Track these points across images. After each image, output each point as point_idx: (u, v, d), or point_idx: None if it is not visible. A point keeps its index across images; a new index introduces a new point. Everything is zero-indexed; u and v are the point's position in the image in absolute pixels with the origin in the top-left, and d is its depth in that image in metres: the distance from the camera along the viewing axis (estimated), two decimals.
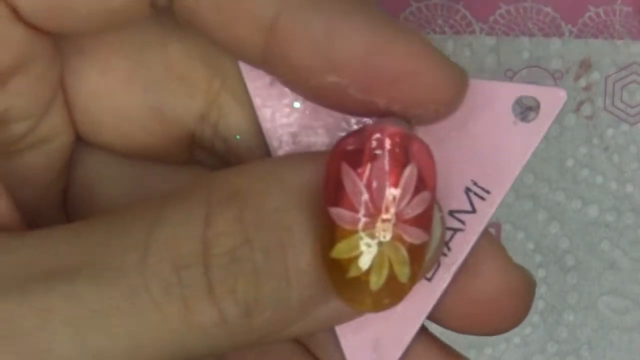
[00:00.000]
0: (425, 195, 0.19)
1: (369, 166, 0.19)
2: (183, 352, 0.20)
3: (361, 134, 0.19)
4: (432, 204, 0.20)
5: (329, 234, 0.19)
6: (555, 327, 0.40)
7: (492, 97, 0.21)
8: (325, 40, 0.20)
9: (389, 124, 0.20)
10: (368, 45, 0.20)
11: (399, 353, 0.22)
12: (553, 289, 0.40)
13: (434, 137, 0.21)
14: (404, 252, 0.19)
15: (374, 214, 0.19)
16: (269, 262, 0.19)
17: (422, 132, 0.21)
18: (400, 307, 0.21)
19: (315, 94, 0.21)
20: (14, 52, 0.21)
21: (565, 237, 0.40)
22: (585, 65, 0.39)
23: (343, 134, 0.21)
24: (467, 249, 0.22)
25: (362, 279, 0.19)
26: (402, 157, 0.19)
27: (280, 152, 0.22)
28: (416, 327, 0.22)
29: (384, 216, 0.19)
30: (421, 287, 0.22)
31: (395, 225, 0.19)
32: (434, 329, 0.24)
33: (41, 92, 0.22)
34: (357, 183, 0.19)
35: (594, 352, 0.40)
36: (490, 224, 0.40)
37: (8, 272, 0.19)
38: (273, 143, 0.22)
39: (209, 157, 0.24)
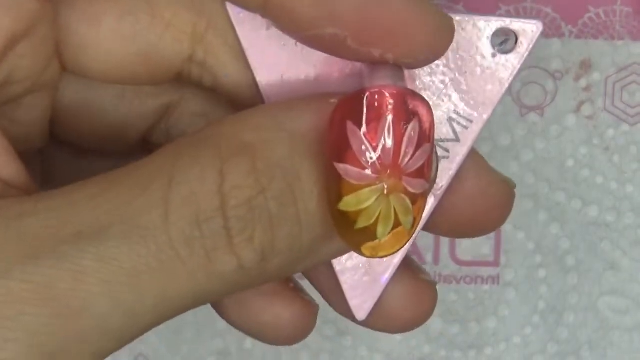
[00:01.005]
0: (426, 147, 0.21)
1: (373, 125, 0.20)
2: (202, 298, 0.21)
3: (363, 94, 0.20)
4: (432, 154, 0.21)
5: (336, 187, 0.20)
6: (555, 328, 0.40)
7: (472, 31, 0.22)
8: None
9: (386, 78, 0.21)
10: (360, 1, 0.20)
11: (388, 275, 0.24)
12: (553, 289, 0.40)
13: (419, 71, 0.23)
14: (408, 202, 0.21)
15: (380, 171, 0.20)
16: (282, 209, 0.21)
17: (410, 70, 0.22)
18: None
19: (314, 42, 0.22)
20: (26, 18, 0.22)
21: (565, 237, 0.40)
22: (586, 66, 0.39)
23: (332, 71, 0.23)
24: (451, 174, 0.23)
25: (369, 229, 0.20)
26: (404, 115, 0.20)
27: (269, 90, 0.23)
28: (406, 250, 0.23)
29: (390, 171, 0.20)
30: None
31: (400, 179, 0.20)
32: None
33: (44, 53, 0.23)
34: (363, 141, 0.20)
35: (595, 352, 0.40)
36: None
37: (40, 235, 0.20)
38: (262, 82, 0.23)
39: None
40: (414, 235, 0.21)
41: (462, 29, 0.22)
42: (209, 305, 0.25)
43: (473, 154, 0.24)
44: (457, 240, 0.40)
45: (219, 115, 0.25)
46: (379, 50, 0.21)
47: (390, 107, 0.20)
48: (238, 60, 0.23)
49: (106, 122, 0.25)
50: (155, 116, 0.26)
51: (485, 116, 0.23)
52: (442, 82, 0.23)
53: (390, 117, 0.20)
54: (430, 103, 0.22)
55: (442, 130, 0.23)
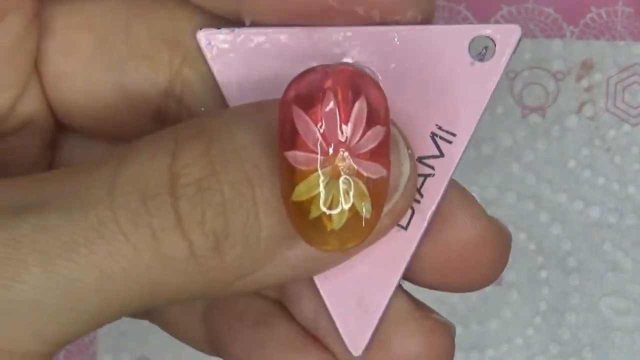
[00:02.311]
0: (378, 129, 0.19)
1: (319, 106, 0.19)
2: (155, 288, 0.20)
3: (309, 75, 0.19)
4: (387, 138, 0.20)
5: (289, 178, 0.19)
6: (557, 329, 0.40)
7: (447, 42, 0.21)
8: None
9: (339, 64, 0.20)
10: None
11: (384, 304, 0.23)
12: (555, 290, 0.40)
13: (394, 86, 0.22)
14: (362, 186, 0.19)
15: (328, 152, 0.19)
16: (237, 196, 0.20)
17: (382, 83, 0.21)
18: (379, 259, 0.22)
19: (297, 14, 0.21)
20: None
21: (567, 238, 0.40)
22: (587, 67, 0.39)
23: None
24: (439, 193, 0.22)
25: (324, 219, 0.19)
26: (351, 94, 0.19)
27: None
28: (398, 277, 0.22)
29: (339, 152, 0.19)
30: (398, 236, 0.22)
31: (351, 160, 0.19)
32: None
33: (19, 59, 0.22)
34: (309, 124, 0.19)
35: (596, 353, 0.40)
36: None
37: None
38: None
39: None
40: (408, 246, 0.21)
41: (437, 40, 0.21)
42: None
43: (466, 196, 0.23)
44: None
45: None
46: (363, 7, 0.20)
47: (336, 85, 0.19)
48: (214, 93, 0.23)
49: (107, 104, 0.24)
50: (157, 88, 0.24)
51: (469, 129, 0.22)
52: (422, 96, 0.22)
53: (336, 96, 0.19)
54: (411, 120, 0.21)
55: (425, 147, 0.22)
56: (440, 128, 0.22)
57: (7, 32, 0.22)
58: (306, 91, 0.19)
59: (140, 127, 0.24)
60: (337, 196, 0.19)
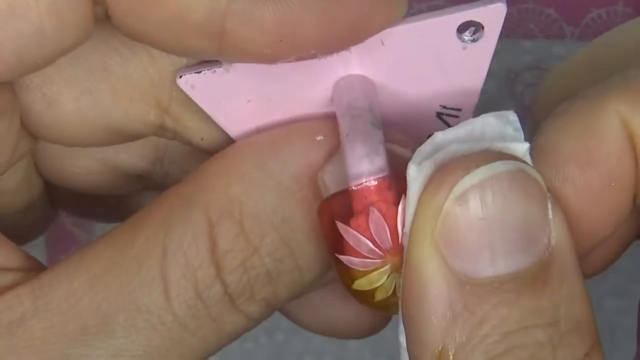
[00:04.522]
0: None
1: (362, 217, 0.20)
2: (217, 350, 0.22)
3: (345, 193, 0.20)
4: None
5: (345, 272, 0.20)
6: None
7: (435, 33, 0.21)
8: (279, 28, 0.19)
9: (363, 158, 0.20)
10: (321, 16, 0.19)
11: None
12: None
13: (393, 85, 0.22)
14: None
15: (382, 255, 0.20)
16: (279, 263, 0.21)
17: (384, 82, 0.22)
18: None
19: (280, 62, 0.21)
20: None
21: None
22: None
23: (304, 108, 0.22)
24: None
25: (390, 299, 0.21)
26: (391, 199, 0.20)
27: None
28: None
29: (392, 253, 0.20)
30: None
31: (403, 252, 0.20)
32: None
33: (8, 140, 0.22)
34: (358, 237, 0.20)
35: None
36: None
37: (47, 339, 0.20)
38: (238, 138, 0.23)
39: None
40: None
41: (426, 34, 0.21)
42: None
43: None
44: None
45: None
46: (348, 46, 0.20)
47: (375, 197, 0.20)
48: (208, 123, 0.23)
49: (94, 176, 0.25)
50: (143, 162, 0.25)
51: (472, 102, 0.23)
52: (421, 86, 0.22)
53: (376, 208, 0.20)
54: (416, 106, 0.22)
55: (433, 126, 0.23)
56: (444, 107, 0.23)
57: None
58: (346, 206, 0.20)
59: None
60: (399, 283, 0.20)
